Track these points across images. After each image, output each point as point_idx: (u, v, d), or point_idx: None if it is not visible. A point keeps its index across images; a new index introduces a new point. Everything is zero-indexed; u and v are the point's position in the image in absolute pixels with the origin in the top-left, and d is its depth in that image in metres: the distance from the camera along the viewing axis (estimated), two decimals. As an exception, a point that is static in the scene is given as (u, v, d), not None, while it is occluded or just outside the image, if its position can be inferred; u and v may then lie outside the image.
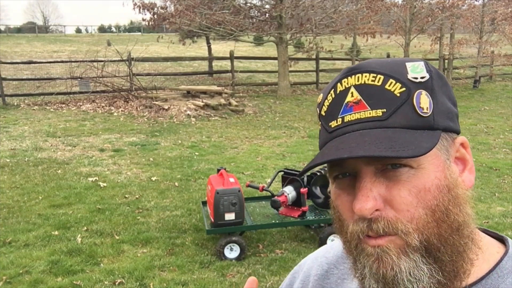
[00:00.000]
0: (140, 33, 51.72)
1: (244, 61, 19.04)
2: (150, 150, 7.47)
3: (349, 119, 0.58)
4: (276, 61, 14.32)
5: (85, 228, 4.44)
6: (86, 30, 69.39)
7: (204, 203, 4.35)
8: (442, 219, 0.55)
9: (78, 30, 68.59)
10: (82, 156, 7.06)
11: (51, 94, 12.13)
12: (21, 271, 3.58)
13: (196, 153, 7.31)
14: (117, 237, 4.24)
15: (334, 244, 0.78)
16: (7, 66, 15.61)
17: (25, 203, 5.06)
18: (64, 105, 11.46)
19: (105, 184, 5.72)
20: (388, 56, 16.62)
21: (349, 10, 14.20)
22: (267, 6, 14.49)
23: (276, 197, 3.90)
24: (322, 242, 3.89)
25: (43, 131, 8.70)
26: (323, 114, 0.61)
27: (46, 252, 3.91)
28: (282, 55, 13.56)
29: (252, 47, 25.77)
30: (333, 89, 0.60)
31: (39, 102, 11.78)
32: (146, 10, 14.22)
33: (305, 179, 4.08)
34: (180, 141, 8.11)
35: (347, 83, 0.59)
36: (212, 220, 3.85)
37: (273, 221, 4.04)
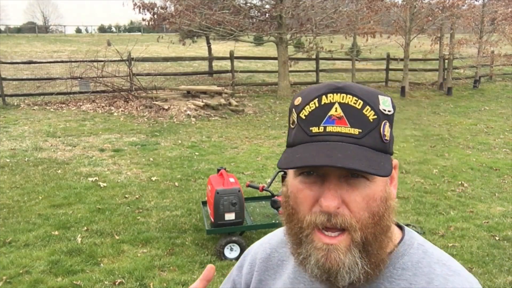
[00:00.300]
0: (140, 33, 51.72)
1: (244, 61, 19.03)
2: (150, 150, 7.47)
3: (331, 130, 0.68)
4: (276, 61, 14.32)
5: (85, 228, 4.44)
6: (86, 30, 69.37)
7: (204, 203, 4.35)
8: (378, 222, 0.70)
9: (78, 30, 68.56)
10: (82, 156, 7.06)
11: (51, 94, 12.13)
12: (21, 271, 3.58)
13: (196, 153, 7.31)
14: (117, 237, 4.24)
15: (277, 232, 0.92)
16: (7, 66, 15.62)
17: (25, 203, 5.06)
18: (64, 105, 11.46)
19: (105, 184, 5.72)
20: (388, 56, 16.61)
21: (349, 10, 14.19)
22: (267, 6, 14.48)
23: (276, 197, 3.90)
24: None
25: (43, 131, 8.70)
26: (303, 117, 0.71)
27: (46, 252, 3.91)
28: (282, 55, 13.56)
29: (252, 47, 25.76)
30: (317, 99, 0.70)
31: (39, 102, 11.77)
32: (146, 10, 14.20)
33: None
34: (180, 141, 8.11)
35: (333, 99, 0.70)
36: (212, 220, 3.85)
37: (273, 221, 4.04)
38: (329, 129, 0.68)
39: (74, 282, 3.44)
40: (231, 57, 14.49)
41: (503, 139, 8.73)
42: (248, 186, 4.27)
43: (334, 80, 0.86)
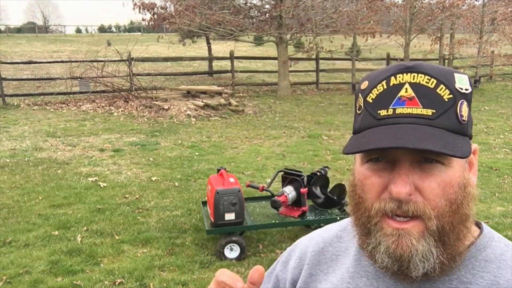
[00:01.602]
0: (140, 33, 51.72)
1: (244, 61, 19.03)
2: (150, 150, 7.47)
3: (401, 112, 0.64)
4: (276, 61, 14.32)
5: (85, 228, 4.44)
6: (86, 30, 69.38)
7: (204, 203, 4.35)
8: (456, 210, 0.65)
9: (78, 30, 68.58)
10: (82, 156, 7.06)
11: (51, 94, 12.13)
12: (21, 271, 3.58)
13: (196, 153, 7.31)
14: (117, 237, 4.24)
15: (329, 227, 0.88)
16: (7, 66, 15.61)
17: (25, 203, 5.06)
18: (64, 105, 11.46)
19: (105, 184, 5.72)
20: (388, 56, 16.62)
21: (349, 10, 14.20)
22: (267, 6, 14.49)
23: (276, 197, 3.90)
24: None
25: (43, 131, 8.70)
26: (370, 101, 0.67)
27: (46, 252, 3.91)
28: (282, 55, 13.56)
29: (252, 47, 25.76)
30: (385, 81, 0.66)
31: (39, 102, 11.77)
32: (146, 10, 14.20)
33: (305, 179, 4.08)
34: (180, 141, 8.10)
35: (402, 79, 0.65)
36: (212, 220, 3.85)
37: (273, 221, 4.03)
38: (398, 111, 0.64)
39: (74, 282, 3.44)
40: (231, 57, 14.49)
41: (503, 139, 8.73)
42: (248, 186, 4.28)
43: (404, 62, 0.79)
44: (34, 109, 10.96)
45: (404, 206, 0.63)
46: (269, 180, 4.73)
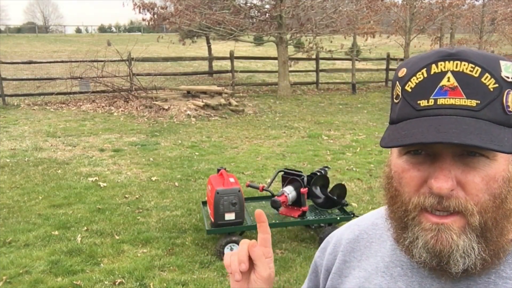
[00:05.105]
0: (140, 33, 51.76)
1: (244, 61, 19.04)
2: (150, 150, 7.47)
3: (443, 103, 0.61)
4: (276, 61, 14.32)
5: (85, 228, 4.44)
6: (86, 30, 69.43)
7: (204, 203, 4.35)
8: (500, 206, 0.62)
9: (78, 30, 68.62)
10: (82, 156, 7.06)
11: (51, 94, 12.13)
12: (21, 271, 3.58)
13: (196, 153, 7.31)
14: (117, 237, 4.24)
15: (366, 216, 0.87)
16: (7, 66, 15.61)
17: (25, 203, 5.06)
18: (64, 105, 11.46)
19: (105, 184, 5.72)
20: (388, 56, 16.61)
21: (349, 10, 14.20)
22: (267, 6, 14.49)
23: (276, 197, 3.90)
24: (322, 242, 3.89)
25: (43, 131, 8.70)
26: (409, 90, 0.64)
27: (46, 252, 3.91)
28: (282, 55, 13.56)
29: (252, 47, 25.77)
30: (425, 69, 0.63)
31: (39, 102, 11.78)
32: (146, 10, 14.21)
33: (305, 179, 4.08)
34: (180, 141, 8.11)
35: (444, 67, 0.62)
36: (212, 220, 3.85)
37: (273, 221, 4.03)
38: (440, 101, 0.61)
39: (74, 282, 3.44)
40: (231, 57, 14.49)
41: None
42: (248, 186, 4.27)
43: (444, 47, 0.71)
44: (34, 109, 10.96)
45: (445, 201, 0.61)
46: (269, 180, 4.73)
